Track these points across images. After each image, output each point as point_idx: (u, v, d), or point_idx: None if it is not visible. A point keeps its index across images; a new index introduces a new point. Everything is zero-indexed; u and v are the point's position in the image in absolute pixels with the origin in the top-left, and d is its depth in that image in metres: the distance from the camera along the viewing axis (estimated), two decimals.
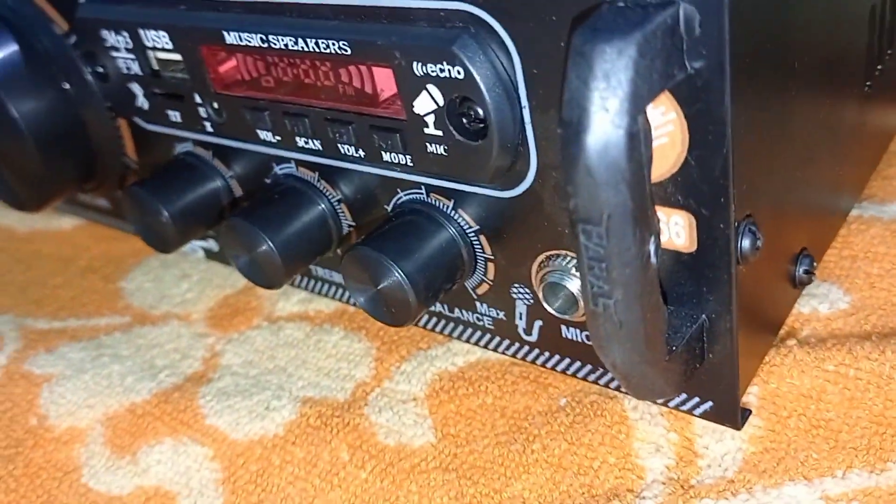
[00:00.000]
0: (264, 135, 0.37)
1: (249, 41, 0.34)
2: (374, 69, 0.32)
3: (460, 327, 0.39)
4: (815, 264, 0.35)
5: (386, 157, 0.34)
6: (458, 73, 0.29)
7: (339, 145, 0.35)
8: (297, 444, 0.38)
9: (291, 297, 0.47)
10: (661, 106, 0.26)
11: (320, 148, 0.36)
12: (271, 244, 0.37)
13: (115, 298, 0.51)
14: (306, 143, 0.36)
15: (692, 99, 0.26)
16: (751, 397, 0.34)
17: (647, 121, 0.24)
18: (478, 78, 0.29)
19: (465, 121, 0.30)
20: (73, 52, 0.44)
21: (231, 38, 0.35)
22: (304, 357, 0.43)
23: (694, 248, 0.28)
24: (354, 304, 0.44)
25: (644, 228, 0.25)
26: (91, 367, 0.44)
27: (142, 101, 0.42)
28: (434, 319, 0.40)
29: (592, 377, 0.35)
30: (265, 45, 0.34)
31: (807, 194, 0.34)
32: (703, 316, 0.30)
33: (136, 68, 0.41)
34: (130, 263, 0.54)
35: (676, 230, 0.28)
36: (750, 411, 0.33)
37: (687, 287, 0.29)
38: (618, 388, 0.35)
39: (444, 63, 0.29)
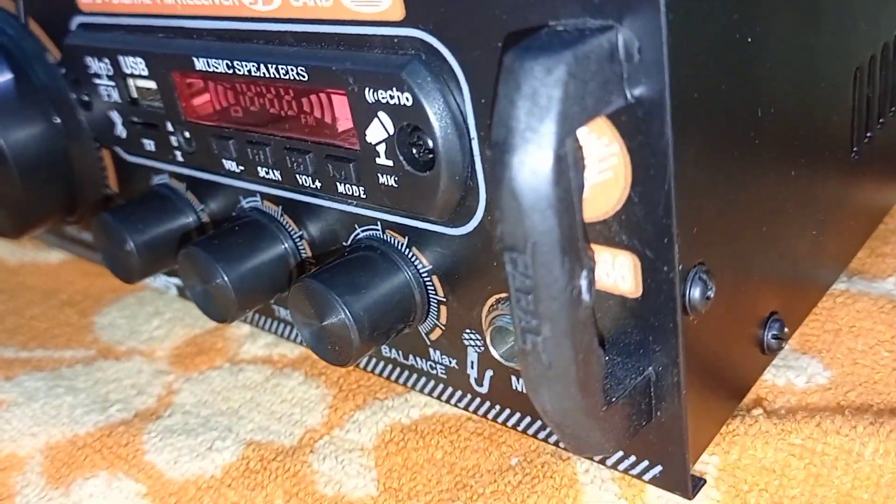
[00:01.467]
0: (229, 164, 0.37)
1: (217, 67, 0.34)
2: (333, 97, 0.31)
3: (414, 376, 0.37)
4: (785, 330, 0.33)
5: (341, 188, 0.33)
6: (407, 99, 0.28)
7: (297, 175, 0.34)
8: (233, 486, 0.36)
9: (258, 340, 0.46)
10: (603, 137, 0.25)
11: (279, 178, 0.35)
12: (225, 277, 0.36)
13: (85, 332, 0.50)
14: (267, 173, 0.35)
15: (634, 130, 0.24)
16: (709, 467, 0.31)
17: (579, 145, 0.23)
18: (426, 105, 0.28)
19: (414, 151, 0.29)
20: (63, 81, 0.45)
21: (200, 63, 0.35)
22: (259, 400, 0.41)
23: (639, 292, 0.27)
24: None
25: (574, 259, 0.23)
26: (43, 397, 0.43)
27: (120, 130, 0.42)
28: (389, 366, 0.38)
29: (542, 434, 0.33)
30: (230, 71, 0.34)
31: (779, 256, 0.33)
32: (650, 368, 0.28)
33: (115, 96, 0.41)
34: (109, 299, 0.53)
35: (622, 273, 0.27)
36: (704, 480, 0.31)
37: (633, 336, 0.28)
38: (557, 444, 0.33)
39: (394, 89, 0.28)
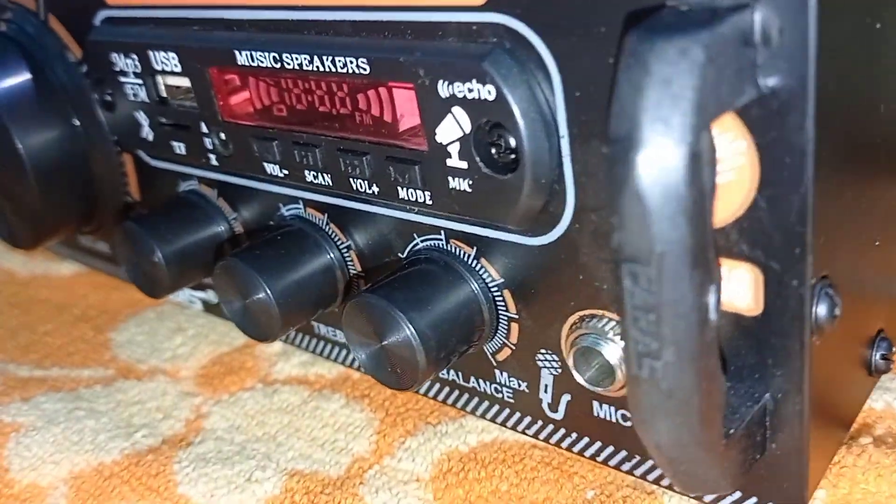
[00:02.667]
0: (271, 168, 0.34)
1: (262, 61, 0.31)
2: (395, 92, 0.28)
3: (475, 400, 0.34)
4: (894, 349, 0.30)
5: (402, 193, 0.30)
6: (489, 93, 0.25)
7: (350, 180, 0.31)
8: None
9: (291, 359, 0.43)
10: (728, 132, 0.22)
11: (329, 183, 0.32)
12: (268, 291, 0.33)
13: (102, 350, 0.46)
14: (315, 177, 0.32)
15: (766, 125, 0.21)
16: (816, 503, 0.28)
17: (713, 141, 0.20)
18: (511, 99, 0.25)
19: (493, 151, 0.26)
20: (84, 81, 0.42)
21: (242, 58, 0.32)
22: (298, 425, 0.38)
23: (759, 310, 0.24)
24: (359, 368, 0.39)
25: (704, 274, 0.20)
26: (63, 420, 0.40)
27: (147, 132, 0.39)
28: (446, 389, 0.35)
29: (627, 466, 0.30)
30: (278, 64, 0.30)
31: (888, 270, 0.30)
32: (767, 395, 0.25)
33: (143, 95, 0.37)
34: (126, 314, 0.50)
35: (738, 288, 0.24)
36: None
37: (748, 359, 0.25)
38: (657, 481, 0.30)
39: (474, 81, 0.25)
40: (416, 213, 0.31)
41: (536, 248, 0.28)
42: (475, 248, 0.30)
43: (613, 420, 0.29)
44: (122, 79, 0.38)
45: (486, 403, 0.34)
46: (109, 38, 0.37)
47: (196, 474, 0.35)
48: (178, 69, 0.35)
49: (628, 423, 0.29)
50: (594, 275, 0.27)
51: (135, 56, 0.36)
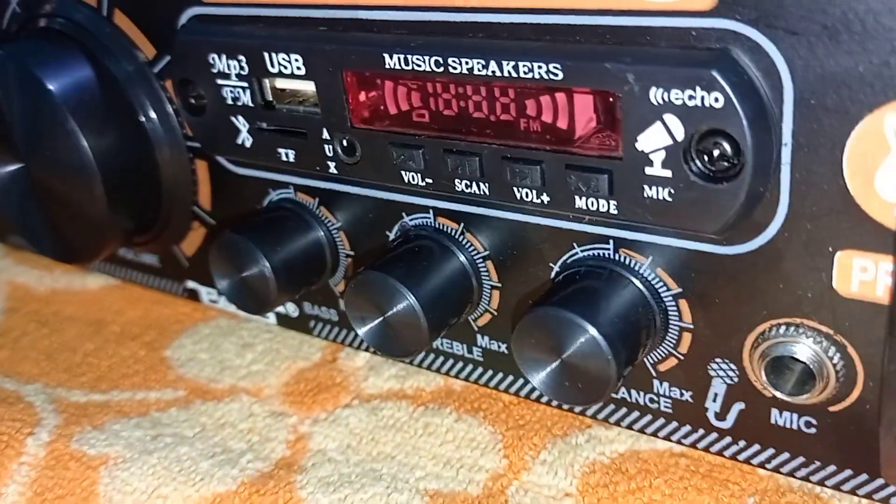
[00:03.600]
0: (410, 176, 0.32)
1: (418, 65, 0.30)
2: (575, 98, 0.27)
3: (623, 410, 0.33)
4: None
5: (580, 202, 0.29)
6: (716, 100, 0.24)
7: (514, 188, 0.30)
8: None
9: (382, 372, 0.41)
10: None
11: (486, 193, 0.31)
12: (417, 303, 0.31)
13: (162, 369, 0.44)
14: (468, 186, 0.31)
15: None
16: None
17: None
18: (739, 108, 0.24)
19: (705, 158, 0.26)
20: (157, 81, 0.39)
21: (393, 61, 0.30)
22: (414, 443, 0.37)
23: None
24: (479, 382, 0.38)
25: None
26: (154, 449, 0.37)
27: (244, 138, 0.36)
28: None
29: (802, 472, 0.30)
30: (440, 69, 0.29)
31: None
32: None
33: (245, 98, 0.35)
34: (175, 330, 0.47)
35: None
36: None
37: None
38: (837, 487, 0.30)
39: (698, 89, 0.25)
40: (586, 221, 0.30)
41: (730, 257, 0.28)
42: (650, 258, 0.29)
43: (794, 427, 0.29)
44: (221, 81, 0.35)
45: (636, 414, 0.33)
46: (208, 37, 0.35)
47: (328, 500, 0.33)
48: (302, 72, 0.33)
49: (811, 430, 0.29)
50: (798, 283, 0.27)
51: (242, 57, 0.34)
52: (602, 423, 0.35)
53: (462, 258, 0.33)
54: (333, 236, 0.38)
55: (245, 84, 0.35)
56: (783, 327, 0.28)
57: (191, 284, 0.46)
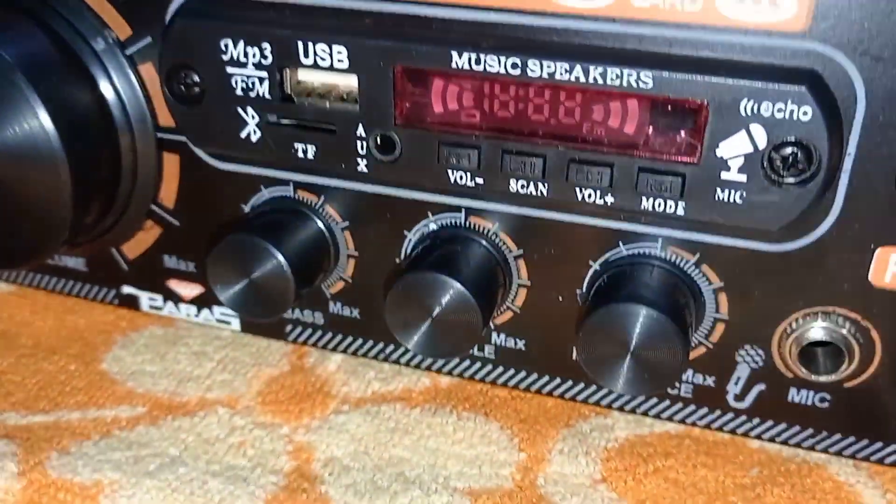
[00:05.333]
0: (458, 176, 0.32)
1: (492, 66, 0.30)
2: (658, 104, 0.29)
3: (639, 398, 0.36)
4: None
5: (646, 203, 0.30)
6: (805, 114, 0.27)
7: (577, 189, 0.31)
8: None
9: (363, 376, 0.40)
10: None
11: (544, 193, 0.31)
12: (479, 308, 0.31)
13: (105, 384, 0.39)
14: (524, 187, 0.32)
15: None
16: None
17: None
18: (824, 122, 0.27)
19: (780, 164, 0.29)
20: (128, 64, 0.35)
21: (462, 60, 0.30)
22: (426, 444, 0.36)
23: None
24: (487, 380, 0.38)
25: None
26: (147, 471, 0.33)
27: (250, 131, 0.34)
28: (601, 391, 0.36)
29: (809, 443, 0.34)
30: (516, 71, 0.29)
31: None
32: None
33: (261, 89, 0.33)
34: (102, 341, 0.42)
35: None
36: None
37: None
38: (853, 456, 0.34)
39: (789, 103, 0.27)
40: (642, 221, 0.32)
41: (778, 254, 0.31)
42: (697, 254, 0.32)
43: (809, 403, 0.33)
44: (232, 69, 0.33)
45: (653, 400, 0.35)
46: (220, 21, 0.32)
47: None
48: (343, 65, 0.31)
49: (824, 405, 0.33)
50: (837, 276, 0.31)
51: (267, 45, 0.32)
52: (598, 409, 0.38)
53: (496, 257, 0.34)
54: (337, 236, 0.36)
55: (264, 74, 0.33)
56: (817, 315, 0.31)
57: (128, 290, 0.42)
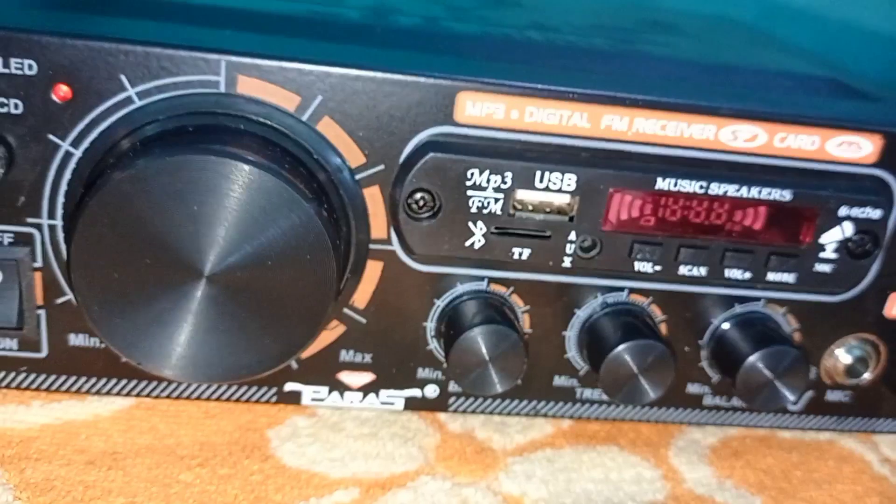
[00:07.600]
0: (642, 266, 0.43)
1: (684, 187, 0.42)
2: (786, 209, 0.43)
3: (728, 413, 0.49)
4: None
5: (770, 276, 0.44)
6: (877, 215, 0.43)
7: (726, 270, 0.44)
8: None
9: (504, 431, 0.48)
10: None
11: (704, 275, 0.44)
12: (672, 361, 0.43)
13: (296, 477, 0.43)
14: (689, 270, 0.44)
15: None
16: None
17: None
18: (887, 218, 0.44)
19: (854, 246, 0.44)
20: (355, 186, 0.41)
21: (665, 183, 0.41)
22: (593, 475, 0.46)
23: None
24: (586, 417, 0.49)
25: None
26: None
27: (476, 240, 0.42)
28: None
29: (838, 425, 0.50)
30: (702, 190, 0.42)
31: None
32: None
33: (494, 208, 0.41)
34: (257, 438, 0.45)
35: None
36: None
37: None
38: (849, 430, 0.51)
39: (868, 208, 0.43)
40: (759, 288, 0.45)
41: (836, 303, 0.47)
42: (786, 307, 0.46)
43: (839, 400, 0.49)
44: (472, 192, 0.40)
45: (739, 413, 0.49)
46: (469, 155, 0.40)
47: None
48: (570, 188, 0.41)
49: (847, 399, 0.49)
50: (867, 313, 0.47)
51: (510, 174, 0.40)
52: (676, 424, 0.50)
53: (649, 327, 0.45)
54: (520, 321, 0.45)
55: (500, 195, 0.41)
56: (850, 339, 0.48)
57: (291, 387, 0.45)
